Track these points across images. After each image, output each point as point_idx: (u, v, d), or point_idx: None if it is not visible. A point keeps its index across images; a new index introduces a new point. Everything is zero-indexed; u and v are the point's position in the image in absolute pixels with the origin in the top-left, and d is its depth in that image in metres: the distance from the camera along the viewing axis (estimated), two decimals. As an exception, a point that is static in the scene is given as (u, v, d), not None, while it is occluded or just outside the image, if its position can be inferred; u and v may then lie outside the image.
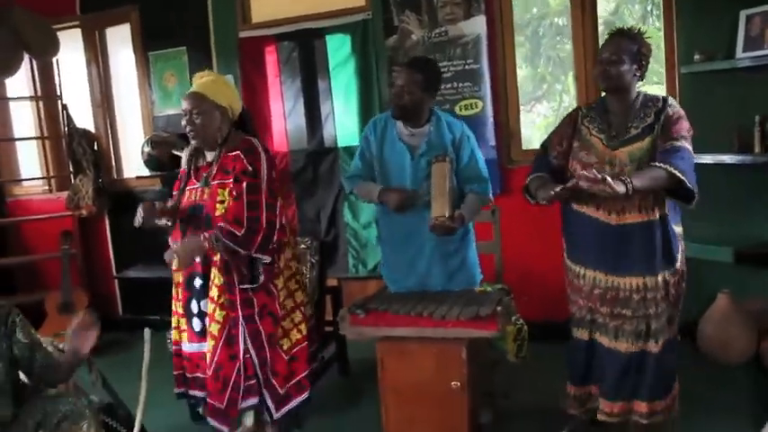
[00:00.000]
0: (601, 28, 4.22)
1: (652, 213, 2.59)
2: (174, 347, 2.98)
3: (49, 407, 2.35)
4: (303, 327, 2.94)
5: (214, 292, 2.74)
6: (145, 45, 4.88)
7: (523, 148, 4.20)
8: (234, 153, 2.77)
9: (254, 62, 4.55)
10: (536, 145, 5.24)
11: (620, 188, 2.36)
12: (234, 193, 2.68)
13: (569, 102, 3.96)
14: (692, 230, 3.34)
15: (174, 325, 2.98)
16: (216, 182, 2.77)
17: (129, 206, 4.91)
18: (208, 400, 2.83)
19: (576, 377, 2.87)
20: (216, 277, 2.75)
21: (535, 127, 6.23)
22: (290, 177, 4.49)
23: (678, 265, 2.64)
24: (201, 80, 2.82)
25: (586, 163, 2.65)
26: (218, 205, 2.73)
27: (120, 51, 5.09)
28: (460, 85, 4.02)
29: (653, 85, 4.51)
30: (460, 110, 4.01)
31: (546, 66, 6.19)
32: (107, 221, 5.17)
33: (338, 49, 4.33)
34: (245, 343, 2.75)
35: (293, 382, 2.89)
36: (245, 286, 2.72)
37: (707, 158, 3.52)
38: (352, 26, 4.26)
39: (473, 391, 2.79)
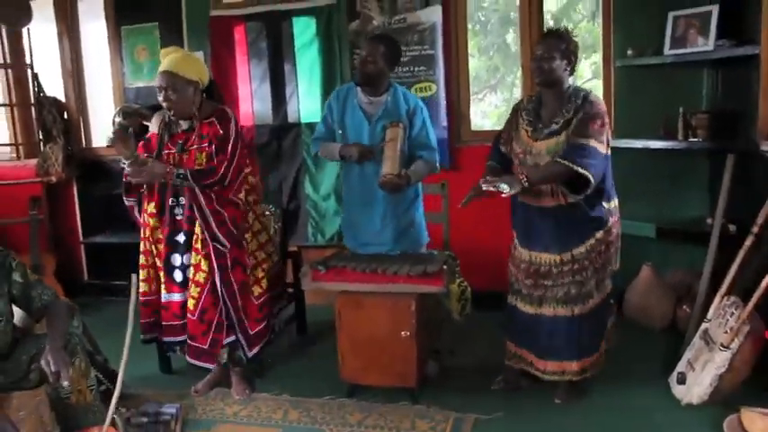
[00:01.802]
0: (550, 23, 4.59)
1: (563, 198, 2.90)
2: (142, 299, 3.27)
3: (42, 343, 2.54)
4: (267, 279, 3.31)
5: (199, 245, 3.05)
6: (117, 19, 5.02)
7: (473, 129, 4.52)
8: (209, 120, 3.10)
9: (224, 41, 4.73)
10: (486, 127, 5.62)
11: (516, 188, 2.75)
12: (206, 153, 3.04)
13: (519, 93, 4.30)
14: (620, 208, 3.74)
15: (142, 278, 3.27)
16: (194, 147, 3.08)
17: (97, 174, 5.16)
18: (191, 343, 3.17)
19: (513, 336, 3.22)
20: (200, 232, 3.05)
21: (486, 116, 6.58)
22: (255, 150, 4.74)
23: (599, 235, 2.95)
24: (171, 58, 3.10)
25: (515, 150, 3.01)
26: (196, 165, 3.05)
27: (91, 23, 5.20)
28: (416, 68, 4.33)
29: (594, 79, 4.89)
30: (416, 92, 4.29)
31: (498, 57, 6.52)
32: (75, 188, 5.31)
33: (304, 31, 4.56)
34: (221, 289, 3.07)
35: (262, 325, 3.24)
36: (217, 243, 3.04)
37: (637, 144, 3.91)
38: (317, 10, 4.49)
39: (421, 341, 3.12)
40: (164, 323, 3.27)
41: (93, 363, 2.93)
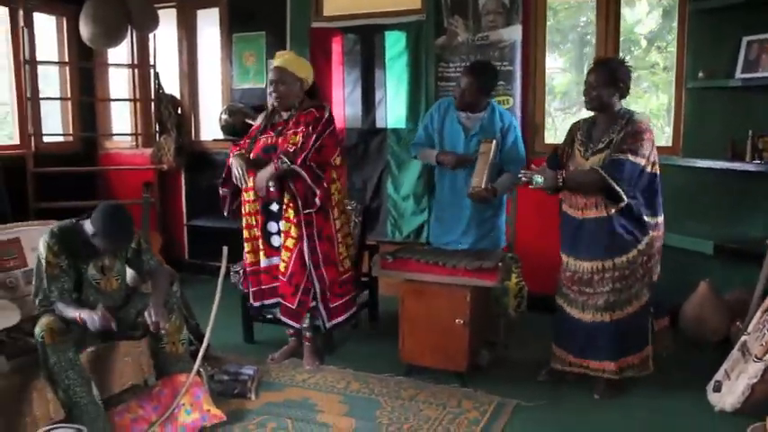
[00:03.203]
0: (643, 44, 4.76)
1: (606, 210, 3.15)
2: (249, 269, 3.70)
3: (148, 300, 2.99)
4: (351, 259, 3.73)
5: (290, 213, 3.49)
6: (230, 27, 5.55)
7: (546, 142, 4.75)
8: (308, 111, 3.54)
9: (322, 50, 5.17)
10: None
11: (549, 183, 3.13)
12: (300, 134, 3.45)
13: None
14: (680, 224, 3.90)
15: (247, 250, 3.70)
16: (290, 131, 3.52)
17: (203, 164, 5.73)
18: (282, 302, 3.60)
19: (557, 338, 3.47)
20: (290, 200, 3.48)
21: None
22: (345, 151, 5.15)
23: (641, 247, 3.18)
24: (284, 57, 3.61)
25: (568, 170, 3.27)
26: (289, 145, 3.46)
27: (207, 31, 5.76)
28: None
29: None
30: (495, 104, 4.60)
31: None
32: (183, 176, 5.87)
33: (394, 44, 4.94)
34: (308, 256, 3.49)
35: (342, 301, 3.64)
36: (308, 210, 3.45)
37: (702, 163, 4.02)
38: (407, 25, 4.86)
39: (474, 330, 3.43)
40: (263, 287, 3.69)
41: (186, 324, 3.34)
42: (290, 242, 3.53)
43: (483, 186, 3.49)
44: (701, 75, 4.08)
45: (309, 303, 3.59)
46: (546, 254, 4.31)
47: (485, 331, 3.69)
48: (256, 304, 3.75)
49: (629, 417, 3.16)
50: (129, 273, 3.21)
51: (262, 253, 3.66)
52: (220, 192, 3.76)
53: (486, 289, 3.49)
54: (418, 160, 4.21)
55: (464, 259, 3.42)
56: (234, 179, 3.53)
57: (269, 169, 3.44)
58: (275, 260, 3.64)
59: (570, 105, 6.73)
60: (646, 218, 3.16)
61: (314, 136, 3.45)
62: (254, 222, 3.65)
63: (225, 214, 3.79)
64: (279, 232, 3.61)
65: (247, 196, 3.64)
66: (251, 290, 3.72)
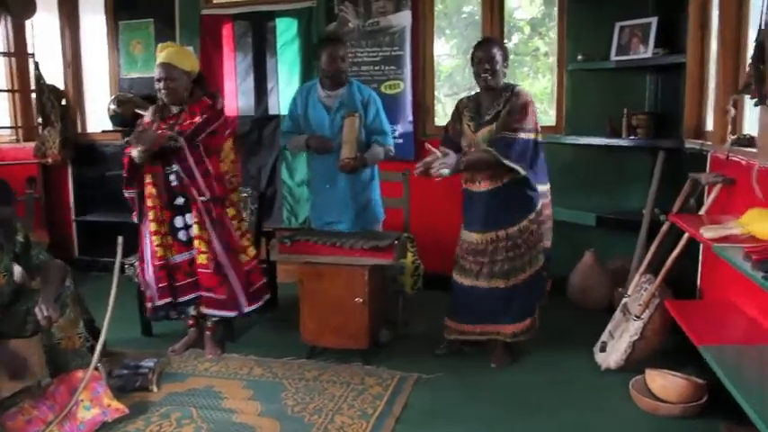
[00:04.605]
0: (527, 31, 4.97)
1: (501, 180, 3.29)
2: (158, 263, 3.59)
3: (38, 297, 2.85)
4: (252, 249, 3.73)
5: (198, 204, 3.48)
6: (115, 14, 5.37)
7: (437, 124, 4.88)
8: (199, 100, 3.52)
9: (213, 37, 5.10)
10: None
11: (454, 169, 3.18)
12: (196, 123, 3.43)
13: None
14: (565, 199, 4.11)
15: (156, 243, 3.59)
16: (186, 122, 3.48)
17: (91, 157, 5.52)
18: (209, 295, 3.58)
19: (451, 313, 3.58)
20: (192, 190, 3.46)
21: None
22: (238, 139, 5.10)
23: (532, 216, 3.34)
24: (168, 50, 3.53)
25: (462, 145, 3.40)
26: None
27: (91, 18, 5.55)
28: (386, 68, 4.71)
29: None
30: (385, 89, 4.70)
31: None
32: (70, 170, 5.64)
33: (286, 30, 4.93)
34: (217, 244, 3.52)
35: (256, 286, 3.71)
36: (205, 197, 3.45)
37: (583, 140, 4.28)
38: (299, 11, 4.87)
39: (373, 308, 3.49)
40: (177, 284, 3.61)
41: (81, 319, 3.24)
42: (204, 233, 3.52)
43: (352, 156, 3.57)
44: (580, 57, 4.31)
45: (235, 291, 3.60)
46: (440, 233, 4.46)
47: (384, 310, 3.77)
48: (161, 302, 3.62)
49: (523, 379, 3.33)
50: (18, 270, 3.07)
51: (173, 249, 3.61)
52: (126, 194, 3.64)
53: (383, 267, 3.56)
54: (291, 150, 4.28)
55: (361, 239, 3.48)
56: (136, 158, 3.43)
57: (156, 133, 3.42)
58: (186, 255, 3.59)
59: (458, 91, 6.94)
60: (537, 186, 3.31)
61: (206, 121, 3.45)
62: (164, 217, 3.59)
63: (135, 221, 3.68)
64: (186, 227, 3.57)
65: (148, 179, 3.56)
66: (158, 286, 3.60)
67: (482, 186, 3.34)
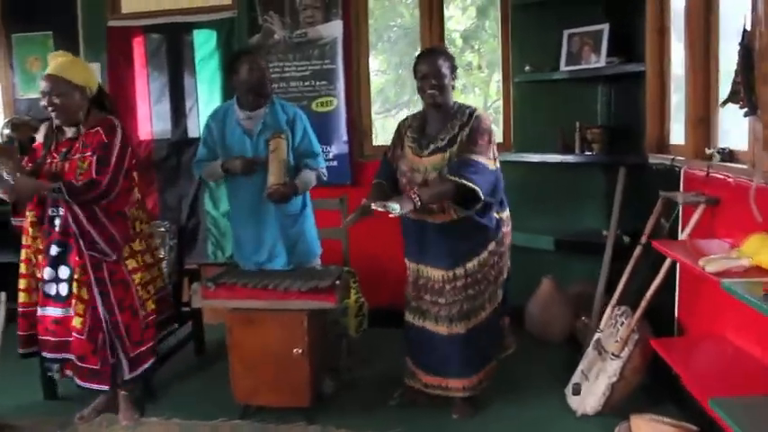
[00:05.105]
0: (460, 42, 4.65)
1: (455, 213, 2.86)
2: (21, 309, 3.10)
3: None
4: (151, 303, 3.17)
5: (77, 257, 2.94)
6: (7, 26, 4.79)
7: (375, 145, 4.48)
8: (94, 129, 2.98)
9: (122, 52, 4.59)
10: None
11: (407, 208, 2.63)
12: (88, 161, 2.91)
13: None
14: (519, 222, 3.76)
15: (22, 287, 3.10)
16: (77, 156, 2.95)
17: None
18: (81, 364, 3.02)
19: (410, 354, 3.16)
20: (76, 243, 2.94)
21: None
22: (153, 165, 4.58)
23: (492, 247, 2.94)
24: (56, 60, 3.01)
25: (401, 170, 2.97)
26: (78, 175, 2.92)
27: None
28: (317, 83, 4.28)
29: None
30: (317, 106, 4.27)
31: (407, 73, 6.50)
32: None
33: (204, 43, 4.47)
34: (101, 305, 2.94)
35: (144, 348, 3.09)
36: (94, 252, 2.92)
37: (534, 157, 3.97)
38: (218, 23, 4.42)
39: (315, 359, 3.04)
40: (39, 337, 3.10)
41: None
42: (84, 292, 2.96)
43: (281, 182, 3.11)
44: (527, 69, 4.01)
45: (110, 359, 3.04)
46: (383, 264, 4.07)
47: (326, 357, 3.32)
48: (25, 351, 3.14)
49: (492, 429, 2.94)
50: None
51: (48, 301, 3.07)
52: (13, 222, 3.21)
53: (325, 311, 3.11)
54: (207, 180, 3.77)
55: (297, 280, 3.03)
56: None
57: (38, 182, 2.90)
58: (49, 311, 3.06)
59: (389, 108, 6.59)
60: (496, 214, 2.94)
61: (108, 176, 2.92)
62: (34, 261, 3.06)
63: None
64: (57, 280, 3.03)
65: (31, 217, 3.05)
66: (20, 333, 3.11)
67: (435, 218, 2.92)
